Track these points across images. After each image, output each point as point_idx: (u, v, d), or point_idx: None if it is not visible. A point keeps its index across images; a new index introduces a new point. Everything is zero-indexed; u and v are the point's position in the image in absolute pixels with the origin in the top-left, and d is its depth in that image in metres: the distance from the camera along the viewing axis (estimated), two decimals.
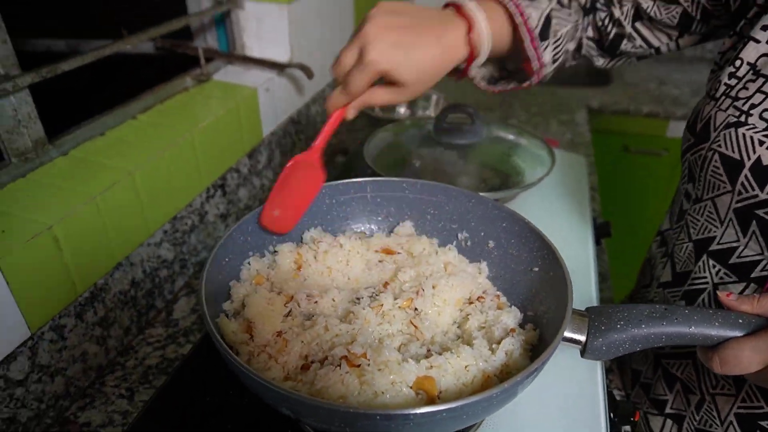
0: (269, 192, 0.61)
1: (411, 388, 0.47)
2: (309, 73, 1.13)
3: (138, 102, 0.93)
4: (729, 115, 0.55)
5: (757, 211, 0.53)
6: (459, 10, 0.63)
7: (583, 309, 0.51)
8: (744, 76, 0.55)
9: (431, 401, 0.46)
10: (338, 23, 1.39)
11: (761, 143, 0.52)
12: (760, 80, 0.53)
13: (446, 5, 0.65)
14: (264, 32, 1.17)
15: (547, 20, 0.67)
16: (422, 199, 0.68)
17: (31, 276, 0.63)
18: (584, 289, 0.78)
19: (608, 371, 0.77)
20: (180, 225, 0.90)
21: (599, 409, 0.60)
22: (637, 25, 0.71)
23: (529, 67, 0.69)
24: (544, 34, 0.67)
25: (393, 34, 0.55)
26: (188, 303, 0.90)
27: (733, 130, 0.54)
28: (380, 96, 0.59)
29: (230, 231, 0.58)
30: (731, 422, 0.59)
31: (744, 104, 0.54)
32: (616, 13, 0.71)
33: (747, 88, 0.54)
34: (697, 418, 0.63)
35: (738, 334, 0.46)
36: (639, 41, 0.73)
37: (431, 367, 0.48)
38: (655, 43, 0.73)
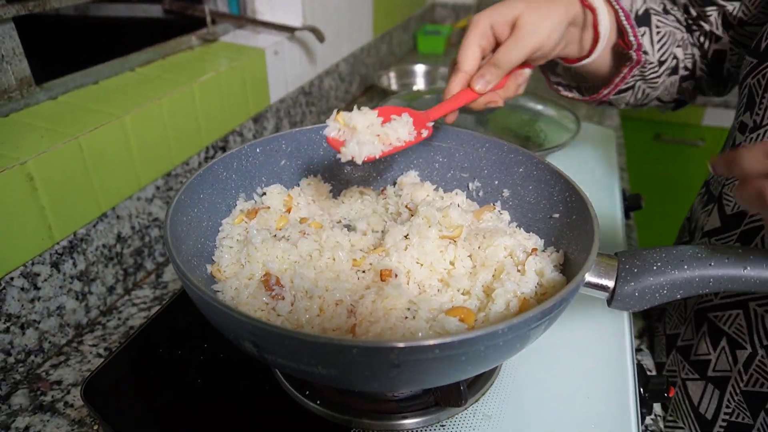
0: None
1: (447, 314, 0.40)
2: (320, 36, 1.07)
3: (138, 55, 0.89)
4: None
5: None
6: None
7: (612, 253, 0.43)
8: None
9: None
10: None
11: None
12: None
13: None
14: None
15: (645, 13, 0.66)
16: (430, 145, 0.61)
17: (3, 211, 0.57)
18: (611, 244, 0.70)
19: (637, 350, 0.68)
20: (175, 183, 0.84)
21: (628, 383, 0.52)
22: (730, 33, 0.67)
23: (628, 45, 0.62)
24: (640, 21, 0.65)
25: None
26: None
27: None
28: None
29: (211, 163, 0.52)
30: None
31: None
32: (705, 26, 0.68)
33: None
34: (745, 378, 0.54)
35: None
36: (736, 49, 0.68)
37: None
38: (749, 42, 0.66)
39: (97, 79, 0.81)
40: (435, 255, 0.46)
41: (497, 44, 0.56)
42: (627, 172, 1.13)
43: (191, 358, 0.55)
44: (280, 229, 0.52)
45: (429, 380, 0.37)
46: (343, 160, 0.44)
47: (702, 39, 0.70)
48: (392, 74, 1.47)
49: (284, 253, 0.46)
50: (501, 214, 0.56)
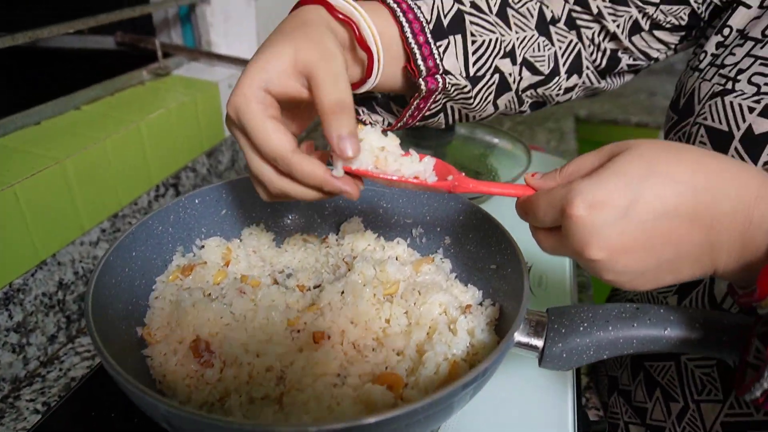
0: None
1: (374, 383, 0.39)
2: None
3: (85, 92, 0.87)
4: (714, 84, 0.49)
5: None
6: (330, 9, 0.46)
7: (543, 310, 0.43)
8: (731, 43, 0.49)
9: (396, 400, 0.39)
10: None
11: (751, 110, 0.45)
12: (749, 43, 0.47)
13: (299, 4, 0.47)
14: (231, 28, 1.12)
15: (456, 17, 0.52)
16: (374, 191, 0.61)
17: None
18: (559, 297, 0.71)
19: (585, 388, 0.69)
20: (122, 224, 0.82)
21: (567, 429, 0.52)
22: (634, 38, 0.60)
23: (414, 71, 0.50)
24: (444, 31, 0.51)
25: None
26: None
27: (719, 99, 0.48)
28: None
29: (143, 219, 0.50)
30: None
31: (731, 71, 0.48)
32: (611, 27, 0.59)
33: (734, 54, 0.48)
34: (679, 429, 0.55)
35: (725, 338, 0.38)
36: (637, 53, 0.62)
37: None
38: (653, 54, 0.62)
39: (39, 119, 0.79)
40: (370, 314, 0.45)
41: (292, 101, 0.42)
42: None
43: (136, 413, 0.53)
44: (218, 284, 0.51)
45: None
46: (334, 172, 0.40)
47: (600, 38, 0.60)
48: None
49: (216, 315, 0.45)
50: (443, 262, 0.56)
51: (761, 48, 0.48)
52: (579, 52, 0.60)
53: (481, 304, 0.50)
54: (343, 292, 0.47)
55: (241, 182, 0.59)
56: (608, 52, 0.61)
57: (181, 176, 0.94)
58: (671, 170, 0.35)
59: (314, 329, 0.44)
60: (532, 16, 0.57)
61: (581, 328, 0.40)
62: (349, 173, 0.41)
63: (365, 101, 0.58)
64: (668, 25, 0.58)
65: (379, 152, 0.41)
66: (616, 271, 0.37)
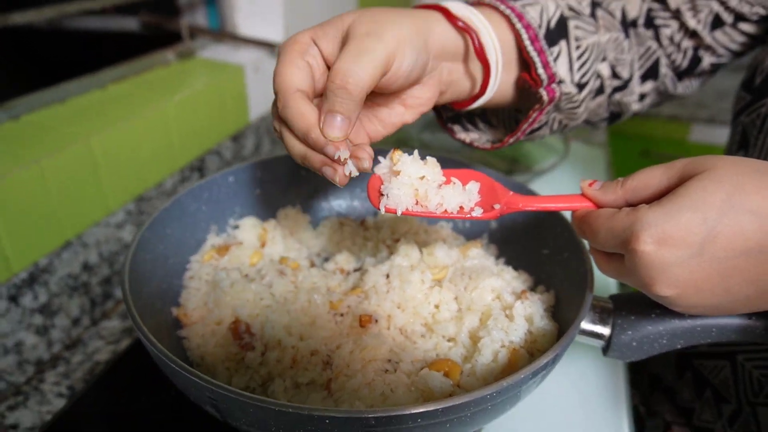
0: None
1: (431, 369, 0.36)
2: None
3: (109, 71, 0.85)
4: None
5: None
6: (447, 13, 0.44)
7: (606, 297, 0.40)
8: None
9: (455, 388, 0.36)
10: (340, 4, 1.31)
11: None
12: None
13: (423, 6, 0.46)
14: (257, 10, 1.09)
15: (560, 22, 0.50)
16: None
17: None
18: (600, 287, 0.67)
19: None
20: (147, 207, 0.80)
21: (623, 426, 0.49)
22: (717, 33, 0.56)
23: (536, 80, 0.48)
24: (554, 37, 0.49)
25: None
26: None
27: None
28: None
29: (177, 196, 0.48)
30: None
31: None
32: (691, 23, 0.55)
33: None
34: None
35: None
36: (721, 50, 0.57)
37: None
38: (738, 49, 0.57)
39: (64, 97, 0.77)
40: (418, 299, 0.43)
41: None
42: None
43: (162, 399, 0.51)
44: (254, 265, 0.48)
45: None
46: (380, 208, 0.38)
47: (679, 37, 0.57)
48: None
49: (256, 297, 0.42)
50: (489, 247, 0.53)
51: None
52: (656, 55, 0.57)
53: (533, 290, 0.47)
54: (388, 276, 0.44)
55: (275, 161, 0.56)
56: (690, 52, 0.57)
57: (205, 160, 0.92)
58: (755, 202, 0.31)
59: (359, 313, 0.41)
60: (615, 16, 0.55)
61: (653, 315, 0.37)
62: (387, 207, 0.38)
63: (455, 119, 0.56)
64: (755, 17, 0.53)
65: (419, 183, 0.38)
66: (687, 306, 0.34)
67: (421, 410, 0.28)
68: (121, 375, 0.55)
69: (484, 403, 0.30)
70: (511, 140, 0.52)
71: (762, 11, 0.52)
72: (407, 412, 0.28)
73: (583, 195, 0.38)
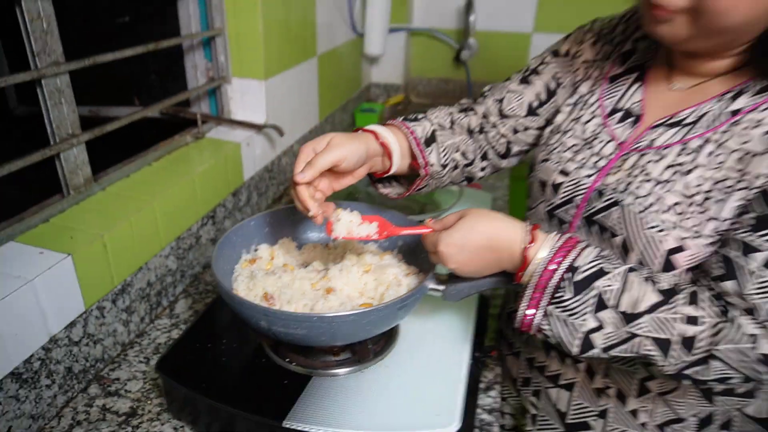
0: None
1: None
2: (280, 132, 1.48)
3: (152, 153, 1.26)
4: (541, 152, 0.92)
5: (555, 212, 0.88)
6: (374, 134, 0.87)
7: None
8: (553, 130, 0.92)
9: None
10: (306, 94, 1.76)
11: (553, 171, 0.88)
12: (558, 134, 0.90)
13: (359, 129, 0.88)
14: (246, 101, 1.52)
15: (432, 134, 0.92)
16: None
17: (89, 268, 0.92)
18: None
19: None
20: (182, 244, 1.20)
21: (467, 347, 0.92)
22: (517, 135, 0.99)
23: (417, 164, 0.89)
24: (429, 141, 0.91)
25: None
26: (186, 303, 1.19)
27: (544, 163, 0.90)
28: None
29: (227, 233, 0.90)
30: None
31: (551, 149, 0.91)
32: (502, 130, 0.99)
33: (551, 140, 0.91)
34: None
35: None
36: (521, 144, 1.01)
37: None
38: (532, 141, 1.00)
39: (128, 173, 1.17)
40: (356, 281, 0.85)
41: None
42: None
43: (224, 348, 0.91)
44: (268, 269, 0.90)
45: (349, 336, 0.76)
46: (331, 236, 0.82)
47: (495, 136, 0.99)
48: None
49: (274, 282, 0.84)
50: (396, 255, 0.96)
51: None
52: (486, 146, 1.01)
53: (416, 274, 0.90)
54: (341, 270, 0.87)
55: (276, 212, 0.98)
56: (504, 145, 1.02)
57: (216, 210, 1.33)
58: (483, 226, 0.75)
59: (327, 287, 0.84)
60: (463, 127, 0.99)
61: (460, 279, 0.81)
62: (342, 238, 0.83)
63: (383, 180, 0.98)
64: (531, 129, 1.00)
65: (349, 224, 0.83)
66: (464, 272, 0.77)
67: (351, 313, 0.70)
68: (175, 350, 0.95)
69: (378, 313, 0.72)
70: (407, 194, 0.97)
71: (533, 132, 1.00)
72: (345, 313, 0.70)
73: (427, 226, 0.82)
